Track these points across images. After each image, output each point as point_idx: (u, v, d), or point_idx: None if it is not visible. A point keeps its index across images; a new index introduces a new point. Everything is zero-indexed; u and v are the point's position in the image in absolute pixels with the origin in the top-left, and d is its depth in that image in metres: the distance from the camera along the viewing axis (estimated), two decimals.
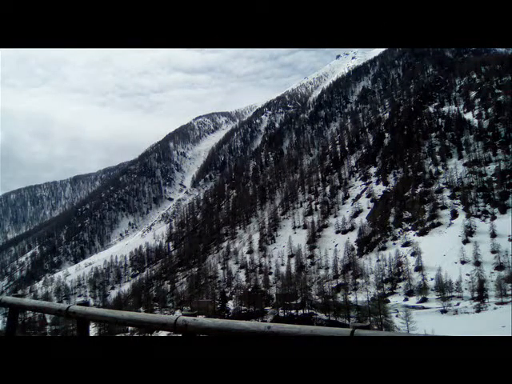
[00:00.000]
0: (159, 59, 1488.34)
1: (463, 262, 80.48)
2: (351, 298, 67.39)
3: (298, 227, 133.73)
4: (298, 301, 67.06)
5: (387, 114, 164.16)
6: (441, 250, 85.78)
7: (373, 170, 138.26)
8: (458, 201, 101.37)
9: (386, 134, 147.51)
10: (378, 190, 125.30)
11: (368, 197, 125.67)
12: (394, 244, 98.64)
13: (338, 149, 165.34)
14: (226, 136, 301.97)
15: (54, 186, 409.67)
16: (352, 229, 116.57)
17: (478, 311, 59.49)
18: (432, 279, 76.91)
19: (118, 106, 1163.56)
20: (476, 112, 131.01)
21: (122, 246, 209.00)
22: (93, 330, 60.40)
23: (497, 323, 42.18)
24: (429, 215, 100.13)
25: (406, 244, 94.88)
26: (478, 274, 71.70)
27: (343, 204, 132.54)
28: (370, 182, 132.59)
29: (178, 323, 3.18)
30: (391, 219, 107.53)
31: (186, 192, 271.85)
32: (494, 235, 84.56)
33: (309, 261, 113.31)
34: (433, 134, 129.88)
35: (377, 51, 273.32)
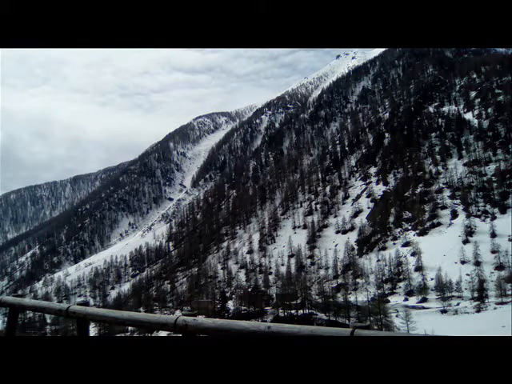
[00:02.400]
0: (159, 59, 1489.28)
1: (463, 262, 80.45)
2: (351, 298, 67.33)
3: (298, 227, 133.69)
4: (298, 301, 67.05)
5: (387, 114, 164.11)
6: (441, 250, 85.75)
7: (373, 169, 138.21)
8: (458, 201, 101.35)
9: (386, 134, 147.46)
10: (378, 190, 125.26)
11: (368, 197, 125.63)
12: (394, 244, 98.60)
13: (338, 149, 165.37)
14: (226, 136, 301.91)
15: (54, 186, 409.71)
16: (352, 229, 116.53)
17: (478, 311, 59.46)
18: (432, 279, 76.85)
19: (118, 105, 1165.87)
20: (476, 112, 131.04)
21: (122, 246, 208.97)
22: (93, 330, 60.41)
23: (497, 323, 42.22)
24: (429, 215, 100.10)
25: (406, 244, 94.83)
26: (477, 274, 71.62)
27: (343, 204, 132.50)
28: (370, 182, 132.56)
29: (178, 323, 3.18)
30: (391, 219, 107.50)
31: (186, 192, 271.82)
32: (494, 235, 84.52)
33: (309, 261, 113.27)
34: (433, 134, 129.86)
35: (377, 51, 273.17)
